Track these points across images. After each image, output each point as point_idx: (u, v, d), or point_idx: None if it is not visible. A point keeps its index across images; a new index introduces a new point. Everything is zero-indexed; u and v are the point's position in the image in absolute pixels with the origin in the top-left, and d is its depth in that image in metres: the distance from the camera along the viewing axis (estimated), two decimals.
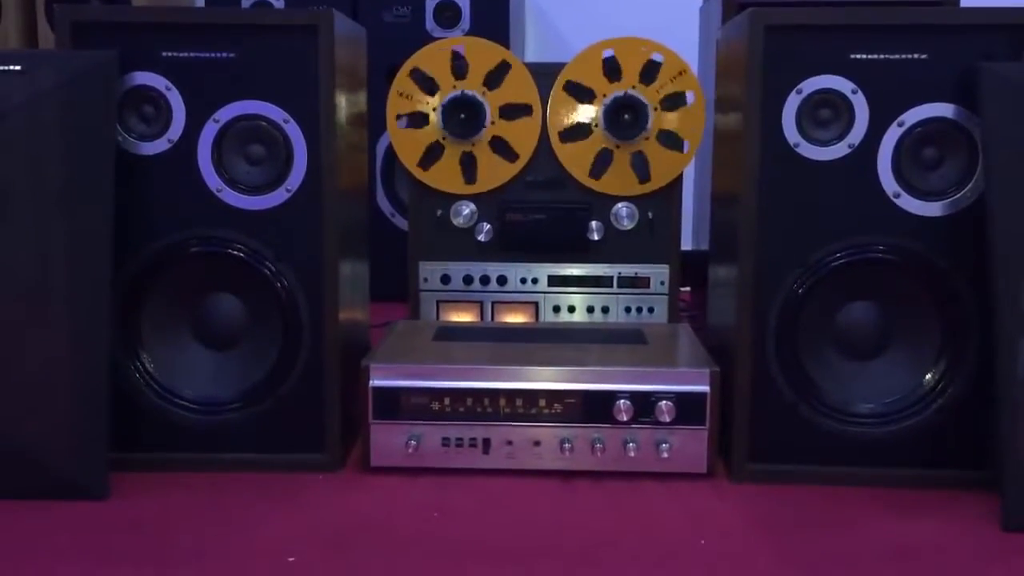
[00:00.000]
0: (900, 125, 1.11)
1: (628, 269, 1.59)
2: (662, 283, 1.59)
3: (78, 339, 1.09)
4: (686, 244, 1.65)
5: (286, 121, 1.15)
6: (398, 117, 1.55)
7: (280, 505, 1.09)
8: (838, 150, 1.12)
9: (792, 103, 1.12)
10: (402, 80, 1.54)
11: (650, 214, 1.58)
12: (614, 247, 1.59)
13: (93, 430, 1.09)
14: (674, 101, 1.51)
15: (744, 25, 1.12)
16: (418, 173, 1.55)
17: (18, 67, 1.09)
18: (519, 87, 1.53)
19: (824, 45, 1.11)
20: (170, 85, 1.14)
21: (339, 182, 1.17)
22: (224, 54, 1.14)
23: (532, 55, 2.60)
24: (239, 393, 1.19)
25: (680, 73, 1.50)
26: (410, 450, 1.16)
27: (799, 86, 1.12)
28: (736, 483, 1.16)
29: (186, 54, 1.14)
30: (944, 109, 1.11)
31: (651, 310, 1.59)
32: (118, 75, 1.13)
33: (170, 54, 1.14)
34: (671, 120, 1.51)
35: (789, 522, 1.06)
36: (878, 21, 1.10)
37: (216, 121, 1.15)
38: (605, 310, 1.60)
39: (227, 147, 1.16)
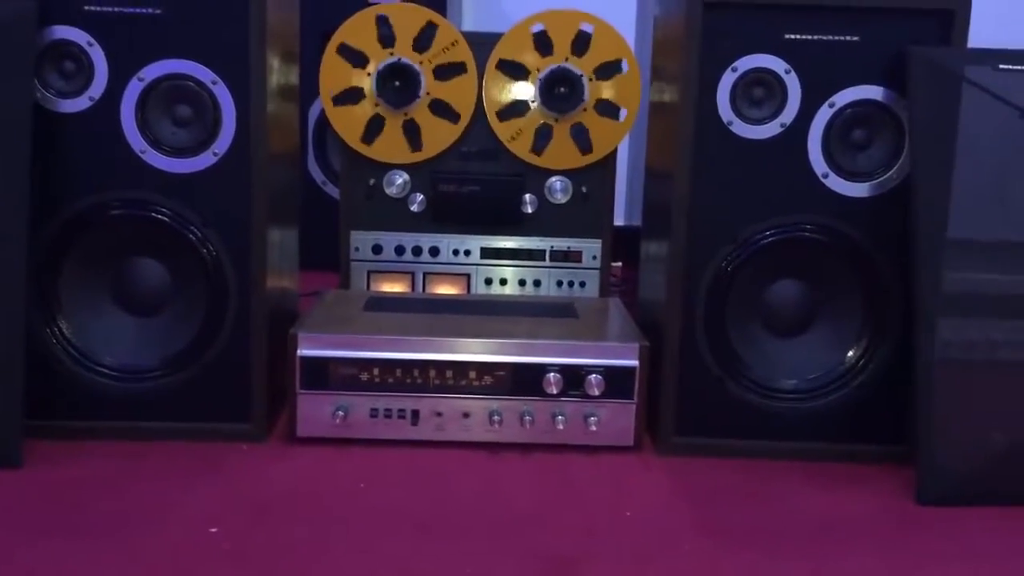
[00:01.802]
0: (831, 106, 1.13)
1: (561, 243, 1.59)
2: (594, 257, 1.59)
3: None
4: (619, 220, 1.66)
5: (214, 82, 1.12)
6: (333, 97, 1.51)
7: (202, 475, 1.07)
8: (770, 129, 1.14)
9: (727, 81, 1.12)
10: (330, 57, 1.51)
11: (584, 188, 1.58)
12: (547, 220, 1.58)
13: (6, 396, 1.06)
14: (608, 70, 1.50)
15: (682, 2, 1.12)
16: (363, 149, 1.53)
17: None
18: (462, 93, 1.51)
19: (760, 24, 1.11)
20: (92, 40, 1.10)
21: (269, 146, 1.14)
22: (150, 10, 1.10)
23: (469, 23, 2.57)
24: (161, 360, 1.16)
25: (612, 41, 1.50)
26: (337, 421, 1.14)
27: (734, 64, 1.12)
28: (662, 456, 1.17)
29: (110, 8, 1.10)
30: (874, 91, 1.12)
31: (583, 284, 1.59)
32: (36, 28, 1.08)
33: (93, 8, 1.10)
34: (607, 89, 1.51)
35: (713, 495, 1.07)
36: (812, 2, 1.11)
37: (141, 80, 1.11)
38: (537, 283, 1.60)
39: (152, 107, 1.12)
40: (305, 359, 1.14)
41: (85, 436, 1.14)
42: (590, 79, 1.50)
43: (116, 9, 1.10)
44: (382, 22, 1.48)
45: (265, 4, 1.10)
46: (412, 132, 1.53)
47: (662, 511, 1.03)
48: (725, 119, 1.13)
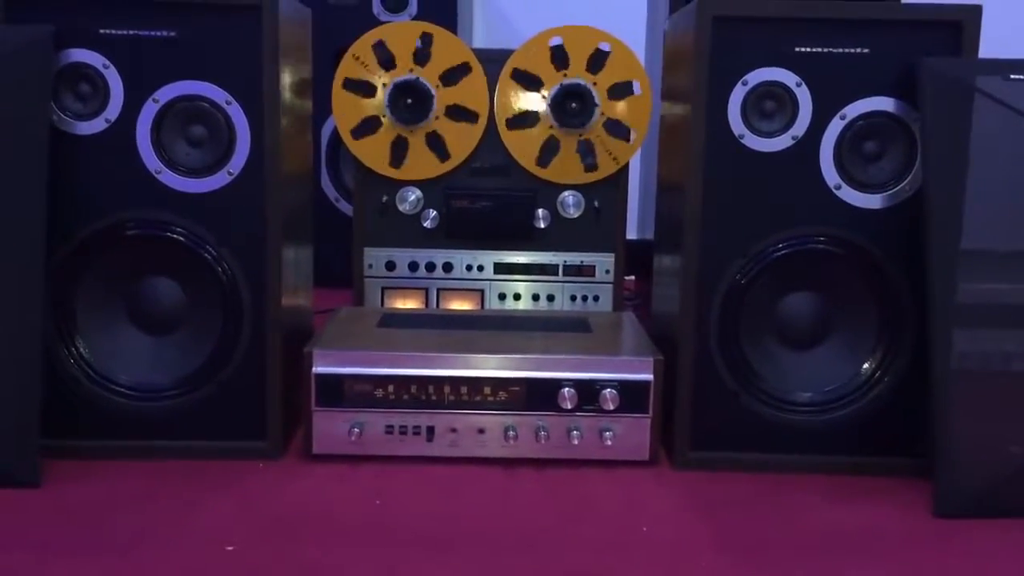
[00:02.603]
0: (842, 118, 1.13)
1: (574, 257, 1.60)
2: (607, 271, 1.60)
3: (8, 324, 1.06)
4: (631, 233, 1.66)
5: (228, 102, 1.13)
6: (351, 131, 1.53)
7: (219, 493, 1.07)
8: (782, 142, 1.14)
9: (738, 94, 1.13)
10: (339, 94, 1.52)
11: (596, 203, 1.59)
12: (560, 235, 1.59)
13: (23, 416, 1.06)
14: (621, 90, 1.52)
15: (692, 15, 1.13)
16: (348, 139, 1.54)
17: None
18: (473, 92, 1.52)
19: (770, 37, 1.11)
20: (108, 63, 1.11)
21: (283, 165, 1.15)
22: (164, 32, 1.11)
23: (480, 40, 2.59)
24: (178, 379, 1.17)
25: (628, 62, 1.51)
26: (353, 438, 1.15)
27: (745, 77, 1.12)
28: (678, 470, 1.17)
29: (125, 31, 1.11)
30: (885, 103, 1.12)
31: (596, 298, 1.60)
32: (53, 52, 1.09)
33: (108, 31, 1.11)
34: (618, 109, 1.52)
35: (729, 509, 1.07)
36: (823, 15, 1.11)
37: (156, 101, 1.12)
38: (551, 298, 1.60)
39: (167, 128, 1.13)
40: (320, 376, 1.15)
41: (102, 455, 1.15)
42: (602, 97, 1.50)
43: (131, 32, 1.11)
44: (379, 47, 1.50)
45: (278, 25, 1.11)
46: (436, 144, 1.54)
47: (679, 526, 1.03)
48: (736, 132, 1.13)
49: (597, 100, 1.51)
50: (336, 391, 1.15)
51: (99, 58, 1.11)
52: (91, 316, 1.16)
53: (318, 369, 1.15)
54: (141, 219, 1.14)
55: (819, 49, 1.12)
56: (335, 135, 2.04)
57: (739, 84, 1.13)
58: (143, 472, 1.12)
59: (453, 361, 1.16)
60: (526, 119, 1.53)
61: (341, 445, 1.15)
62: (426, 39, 1.52)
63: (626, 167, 1.56)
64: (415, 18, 2.18)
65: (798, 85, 1.12)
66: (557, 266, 1.60)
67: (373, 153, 1.54)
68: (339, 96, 1.52)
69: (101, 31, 1.11)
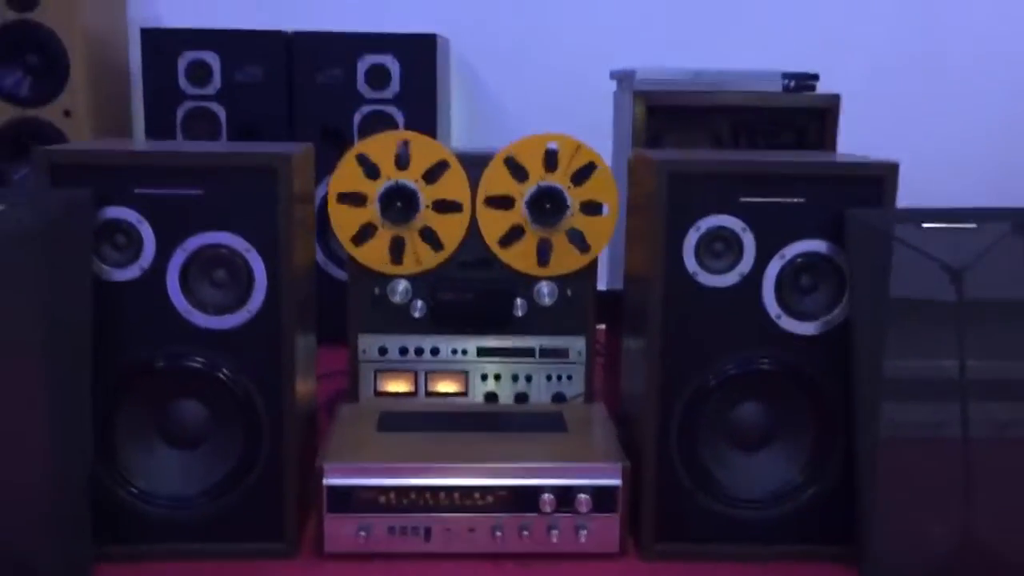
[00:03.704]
0: (782, 258, 1.31)
1: (549, 341, 1.76)
2: (579, 353, 1.76)
3: (63, 445, 1.20)
4: (602, 284, 1.80)
5: (247, 250, 1.28)
6: (338, 195, 1.67)
7: None
8: (730, 278, 1.31)
9: (692, 238, 1.30)
10: (348, 162, 1.66)
11: (569, 291, 1.75)
12: (536, 321, 1.74)
13: (76, 532, 1.22)
14: (582, 175, 1.65)
15: (652, 170, 1.30)
16: (350, 248, 1.68)
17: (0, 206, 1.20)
18: (454, 185, 1.67)
19: (719, 190, 1.29)
20: (141, 218, 1.27)
21: (294, 299, 1.30)
22: (191, 191, 1.27)
23: (458, 114, 2.74)
24: (204, 489, 1.33)
25: (606, 185, 1.65)
26: (360, 538, 1.31)
27: (697, 223, 1.30)
28: (645, 561, 1.35)
29: (156, 191, 1.26)
30: (818, 245, 1.30)
31: (569, 377, 1.76)
32: (93, 210, 1.24)
33: (142, 191, 1.26)
34: (586, 191, 1.66)
35: None
36: (764, 171, 1.29)
37: (184, 250, 1.28)
38: (528, 378, 1.76)
39: (194, 273, 1.29)
40: (331, 487, 1.31)
41: (140, 559, 1.31)
42: (568, 188, 1.65)
43: (162, 191, 1.26)
44: (362, 159, 1.64)
45: (291, 184, 1.27)
46: (397, 248, 1.66)
47: None
48: (691, 270, 1.31)
49: (569, 209, 1.67)
50: (345, 499, 1.31)
51: (133, 214, 1.26)
52: (128, 436, 1.32)
53: (329, 481, 1.31)
54: (170, 353, 1.29)
55: (761, 199, 1.29)
56: (323, 203, 2.19)
57: (692, 229, 1.30)
58: (178, 574, 1.28)
59: (446, 471, 1.32)
60: (514, 234, 1.67)
61: (350, 544, 1.32)
62: (404, 145, 1.67)
63: (595, 261, 1.72)
64: (397, 95, 2.34)
65: (743, 230, 1.30)
66: (534, 349, 1.76)
67: (374, 256, 1.68)
68: (335, 210, 1.67)
69: (135, 191, 1.26)
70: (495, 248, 1.68)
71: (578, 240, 1.68)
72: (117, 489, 1.31)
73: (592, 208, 1.67)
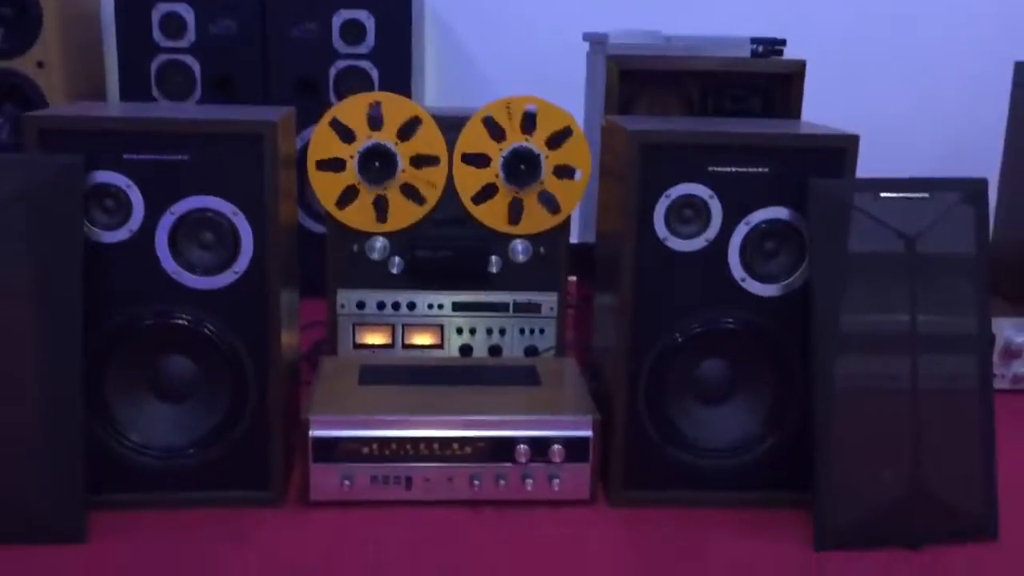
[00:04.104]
0: (747, 224, 1.37)
1: (522, 296, 1.82)
2: (551, 308, 1.83)
3: (54, 398, 1.26)
4: (574, 237, 1.86)
5: (235, 214, 1.33)
6: (317, 163, 1.71)
7: (238, 544, 1.30)
8: (697, 243, 1.38)
9: (662, 205, 1.36)
10: (322, 129, 1.70)
11: (542, 249, 1.81)
12: (510, 277, 1.81)
13: (71, 483, 1.28)
14: (558, 139, 1.71)
15: (625, 140, 1.36)
16: (335, 211, 1.73)
17: None
18: (429, 140, 1.72)
19: (688, 160, 1.35)
20: (130, 183, 1.30)
21: (279, 259, 1.35)
22: (179, 156, 1.30)
23: (431, 71, 2.76)
24: (193, 440, 1.39)
25: (579, 148, 1.70)
26: (344, 487, 1.38)
27: (668, 191, 1.36)
28: (613, 507, 1.43)
29: (145, 156, 1.30)
30: (781, 212, 1.37)
31: (542, 331, 1.83)
32: (83, 174, 1.28)
33: (130, 156, 1.29)
34: (557, 186, 1.72)
35: (654, 540, 1.35)
36: (731, 143, 1.35)
37: (172, 213, 1.32)
38: (502, 332, 1.83)
39: (182, 235, 1.33)
40: (316, 439, 1.38)
41: (131, 507, 1.37)
42: (548, 171, 1.71)
43: (150, 157, 1.30)
44: (335, 124, 1.68)
45: (276, 149, 1.31)
46: (381, 206, 1.72)
47: (616, 556, 1.29)
48: (661, 236, 1.37)
49: (543, 172, 1.72)
50: (330, 450, 1.38)
51: (123, 178, 1.30)
52: (119, 391, 1.37)
53: (314, 433, 1.38)
54: (160, 311, 1.34)
55: (728, 169, 1.36)
56: (300, 160, 2.23)
57: (663, 196, 1.36)
58: (168, 523, 1.35)
59: (426, 424, 1.39)
60: (488, 192, 1.73)
61: (334, 493, 1.39)
62: (375, 106, 1.70)
63: (568, 219, 1.79)
64: (372, 49, 2.37)
65: (711, 197, 1.36)
66: (508, 304, 1.82)
67: (359, 217, 1.73)
68: (316, 177, 1.71)
69: (124, 156, 1.30)
70: (468, 205, 1.73)
71: (549, 202, 1.74)
72: (110, 441, 1.36)
73: (565, 172, 1.72)
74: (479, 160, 1.73)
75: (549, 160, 1.72)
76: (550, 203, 1.74)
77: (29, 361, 1.26)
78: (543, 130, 1.71)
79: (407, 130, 1.72)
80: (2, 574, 1.21)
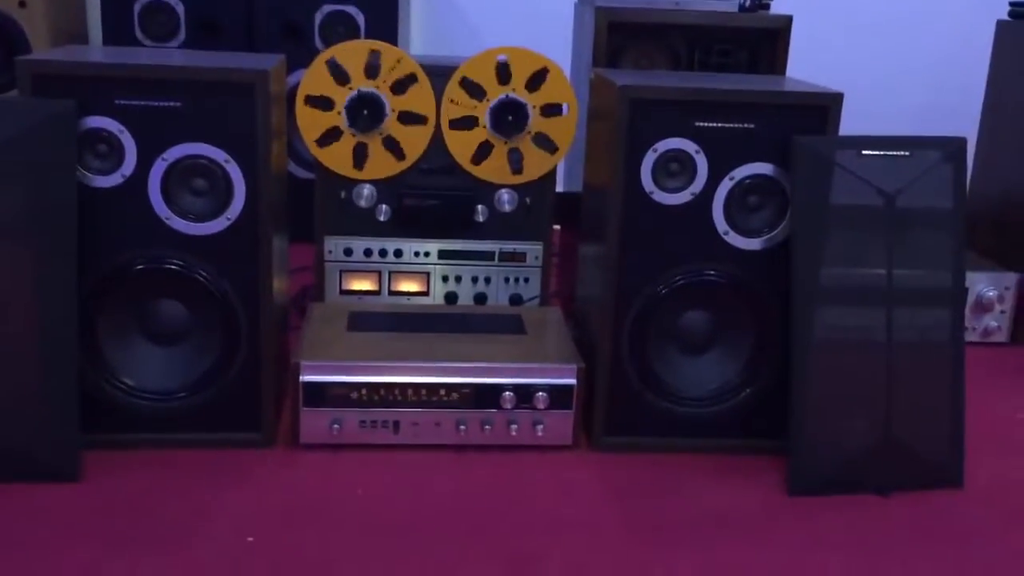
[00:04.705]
0: (731, 179, 1.40)
1: (508, 246, 1.85)
2: (536, 258, 1.86)
3: (48, 340, 1.28)
4: (560, 187, 1.88)
5: (227, 161, 1.34)
6: (306, 97, 1.71)
7: (230, 484, 1.34)
8: (683, 197, 1.41)
9: (649, 159, 1.39)
10: (318, 66, 1.70)
11: (527, 199, 1.83)
12: (496, 227, 1.83)
13: (66, 422, 1.30)
14: (552, 110, 1.74)
15: (613, 94, 1.37)
16: (313, 148, 1.74)
17: None
18: (421, 99, 1.73)
19: (675, 115, 1.37)
20: (123, 128, 1.31)
21: (271, 206, 1.37)
22: (171, 102, 1.31)
23: (417, 18, 2.75)
24: (185, 383, 1.41)
25: (561, 87, 1.72)
26: (333, 431, 1.42)
27: (655, 146, 1.38)
28: (595, 452, 1.48)
29: (137, 102, 1.30)
30: (765, 168, 1.40)
31: (527, 280, 1.86)
32: (76, 119, 1.29)
33: (123, 102, 1.30)
34: (547, 126, 1.74)
35: (633, 484, 1.39)
36: (717, 99, 1.37)
37: (164, 160, 1.33)
38: (487, 280, 1.86)
39: (174, 182, 1.34)
40: (306, 383, 1.41)
41: (123, 447, 1.39)
42: (536, 114, 1.73)
43: (142, 102, 1.30)
44: (332, 64, 1.68)
45: (269, 99, 1.32)
46: (360, 154, 1.74)
47: (593, 503, 1.34)
48: (647, 189, 1.40)
49: (530, 116, 1.74)
50: (319, 395, 1.41)
51: (115, 124, 1.31)
52: (113, 334, 1.39)
53: (305, 378, 1.41)
54: (152, 256, 1.36)
55: (714, 124, 1.38)
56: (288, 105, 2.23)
57: (650, 151, 1.38)
58: (161, 462, 1.38)
59: (414, 370, 1.43)
60: (467, 122, 1.74)
61: (324, 436, 1.43)
62: (375, 55, 1.71)
63: (553, 171, 1.81)
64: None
65: (697, 152, 1.39)
66: (494, 253, 1.85)
67: (338, 159, 1.74)
68: (302, 111, 1.71)
69: (117, 102, 1.30)
70: (468, 167, 1.75)
71: (544, 142, 1.76)
72: (104, 383, 1.38)
73: (552, 109, 1.74)
74: (475, 90, 1.73)
75: (533, 102, 1.73)
76: (545, 143, 1.76)
77: (24, 303, 1.28)
78: (520, 76, 1.72)
79: (402, 85, 1.72)
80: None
